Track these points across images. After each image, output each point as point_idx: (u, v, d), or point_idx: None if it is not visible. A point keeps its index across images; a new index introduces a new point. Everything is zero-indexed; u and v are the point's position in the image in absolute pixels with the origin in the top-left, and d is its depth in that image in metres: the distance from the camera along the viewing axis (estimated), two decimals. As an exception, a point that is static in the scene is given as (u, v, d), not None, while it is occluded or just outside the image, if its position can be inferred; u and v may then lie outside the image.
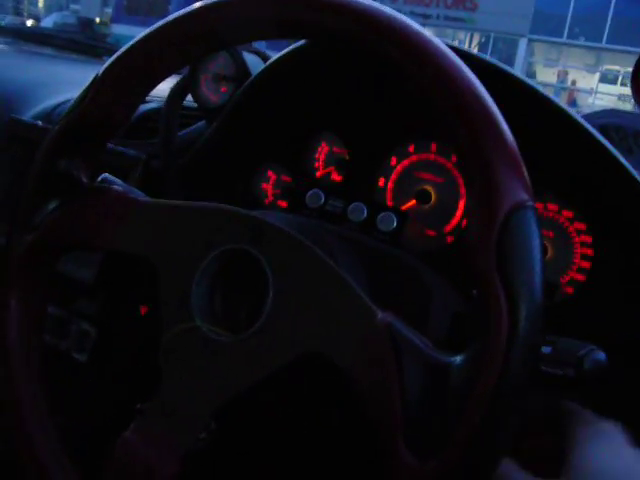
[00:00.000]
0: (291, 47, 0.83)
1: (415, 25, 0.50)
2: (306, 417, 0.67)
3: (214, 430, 0.59)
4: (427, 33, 0.50)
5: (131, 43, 0.62)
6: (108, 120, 0.63)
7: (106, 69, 0.62)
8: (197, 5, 0.58)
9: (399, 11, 0.52)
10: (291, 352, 0.51)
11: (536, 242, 0.44)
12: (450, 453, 0.43)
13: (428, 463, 0.44)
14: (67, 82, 1.23)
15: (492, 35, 17.21)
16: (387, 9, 0.51)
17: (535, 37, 16.73)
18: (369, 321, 0.48)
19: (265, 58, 0.96)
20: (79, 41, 1.69)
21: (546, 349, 0.52)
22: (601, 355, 0.52)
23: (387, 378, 0.46)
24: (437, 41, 0.49)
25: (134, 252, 0.60)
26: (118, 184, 0.65)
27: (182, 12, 0.59)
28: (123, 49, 0.62)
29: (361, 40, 0.51)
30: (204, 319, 0.56)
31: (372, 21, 0.50)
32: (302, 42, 0.83)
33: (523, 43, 16.71)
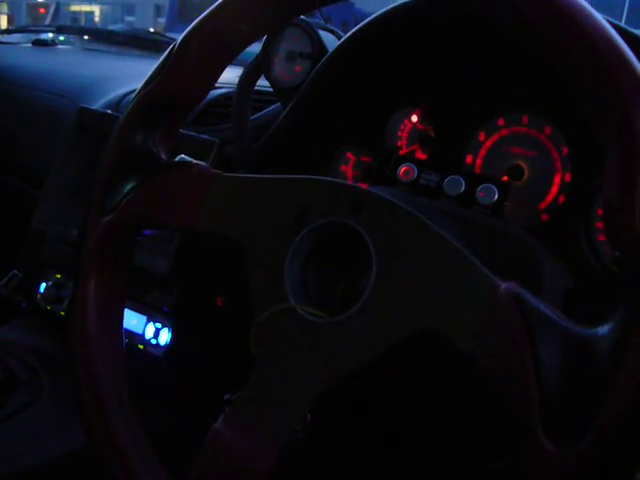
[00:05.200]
0: (367, 20, 0.78)
1: None
2: (415, 406, 0.62)
3: (310, 423, 0.54)
4: None
5: (208, 11, 0.58)
6: (186, 91, 0.59)
7: (183, 38, 0.58)
8: None
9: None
10: (398, 332, 0.46)
11: None
12: (598, 437, 0.37)
13: (570, 451, 0.38)
14: (132, 75, 1.22)
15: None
16: None
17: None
18: (492, 293, 0.43)
19: (339, 37, 0.92)
20: (141, 36, 1.68)
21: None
22: None
23: (519, 357, 0.40)
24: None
25: (219, 231, 0.56)
26: (201, 163, 0.61)
27: None
28: (199, 19, 0.58)
29: None
30: (299, 300, 0.51)
31: None
32: (378, 14, 0.78)
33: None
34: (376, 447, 0.71)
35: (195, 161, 0.59)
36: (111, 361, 0.59)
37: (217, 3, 0.58)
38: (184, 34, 0.58)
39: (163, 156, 0.59)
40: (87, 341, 0.58)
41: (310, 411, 0.50)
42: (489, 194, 0.70)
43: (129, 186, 0.58)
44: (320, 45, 0.86)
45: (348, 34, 0.80)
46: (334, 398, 0.54)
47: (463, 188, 0.72)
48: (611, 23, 0.44)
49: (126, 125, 0.59)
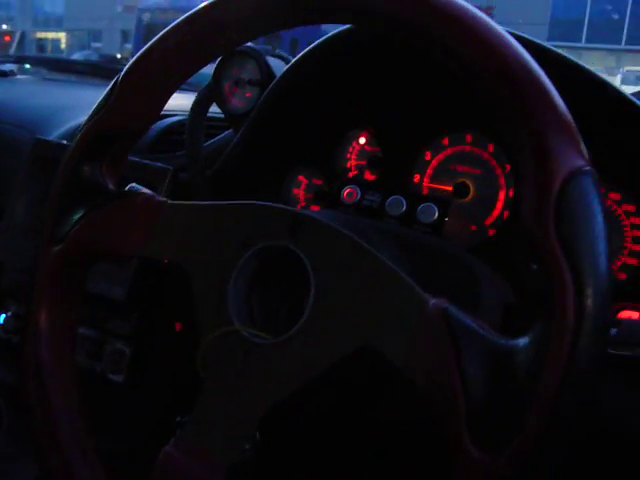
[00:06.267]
0: (312, 46, 0.80)
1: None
2: (357, 419, 0.63)
3: (258, 441, 0.56)
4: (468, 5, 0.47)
5: (149, 44, 0.60)
6: (130, 123, 0.61)
7: (125, 72, 0.60)
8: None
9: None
10: (338, 350, 0.48)
11: (598, 208, 0.41)
12: (520, 444, 0.39)
13: (497, 457, 0.40)
14: (91, 104, 1.22)
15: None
16: None
17: (554, 43, 16.65)
18: (421, 309, 0.45)
19: (288, 62, 0.94)
20: (101, 66, 1.69)
21: (611, 331, 0.48)
22: None
23: (446, 368, 0.42)
24: (479, 12, 0.46)
25: (164, 258, 0.57)
26: (148, 192, 0.62)
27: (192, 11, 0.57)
28: (141, 51, 0.60)
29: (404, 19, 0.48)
30: (243, 322, 0.52)
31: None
32: (324, 39, 0.80)
33: (542, 50, 16.64)
34: (324, 463, 0.73)
35: (142, 190, 0.61)
36: (64, 390, 0.60)
37: (159, 35, 0.59)
38: (127, 66, 0.60)
39: (110, 186, 0.61)
40: (39, 371, 0.59)
41: (258, 430, 0.52)
42: (429, 213, 0.72)
43: (77, 216, 0.60)
44: (268, 72, 0.88)
45: (292, 62, 0.83)
46: (283, 416, 0.55)
47: (404, 208, 0.74)
48: (516, 36, 0.47)
49: (73, 157, 0.60)
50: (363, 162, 0.86)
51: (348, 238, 0.49)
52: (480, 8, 0.46)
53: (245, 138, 0.89)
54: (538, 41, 0.68)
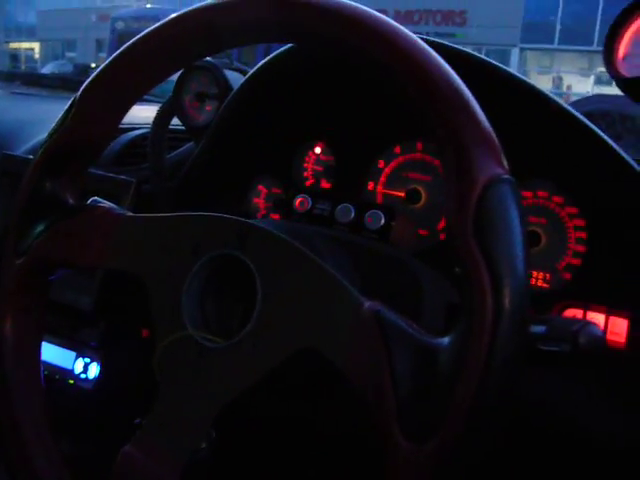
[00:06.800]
0: (265, 60, 0.84)
1: (382, 17, 0.51)
2: (304, 416, 0.66)
3: (214, 439, 0.59)
4: (393, 22, 0.51)
5: (108, 60, 0.63)
6: (89, 138, 0.63)
7: (84, 89, 0.63)
8: (176, 15, 0.59)
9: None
10: (283, 352, 0.51)
11: (515, 214, 0.44)
12: (444, 434, 0.42)
13: (424, 446, 0.43)
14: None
15: (484, 48, 17.31)
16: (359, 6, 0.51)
17: (527, 46, 16.83)
18: (356, 310, 0.48)
19: (246, 74, 0.97)
20: (71, 79, 1.70)
21: (541, 328, 0.51)
22: (594, 328, 0.52)
23: (377, 365, 0.46)
24: (404, 30, 0.49)
25: (121, 268, 0.60)
26: (106, 205, 0.65)
27: (152, 28, 0.59)
28: (100, 68, 0.63)
29: (335, 37, 0.52)
30: (196, 327, 0.55)
31: (343, 16, 0.51)
32: (276, 53, 0.83)
33: (515, 53, 16.81)
34: (275, 460, 0.76)
35: (101, 203, 0.64)
36: (29, 398, 0.62)
37: (115, 54, 0.62)
38: (84, 85, 0.63)
39: (70, 200, 0.63)
40: (4, 381, 0.62)
41: (214, 429, 0.55)
42: (376, 219, 0.76)
43: (38, 230, 0.62)
44: (225, 85, 0.91)
45: (247, 76, 0.86)
46: (235, 416, 0.58)
47: (353, 215, 0.77)
48: (436, 45, 0.50)
49: (34, 172, 0.63)
50: (319, 171, 0.89)
51: (290, 246, 0.53)
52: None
53: (206, 150, 0.93)
54: (457, 47, 0.72)
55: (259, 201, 0.94)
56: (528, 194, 0.75)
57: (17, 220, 0.64)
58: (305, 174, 0.90)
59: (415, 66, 0.48)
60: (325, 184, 0.89)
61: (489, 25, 15.87)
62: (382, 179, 0.85)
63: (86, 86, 0.63)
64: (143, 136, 1.06)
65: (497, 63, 0.72)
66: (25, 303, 0.63)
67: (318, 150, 0.90)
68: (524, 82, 0.71)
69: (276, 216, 0.92)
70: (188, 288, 0.56)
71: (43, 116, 1.31)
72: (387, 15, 0.52)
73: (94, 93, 0.62)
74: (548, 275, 0.73)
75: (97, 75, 0.63)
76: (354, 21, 0.50)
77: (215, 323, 0.57)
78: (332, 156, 0.88)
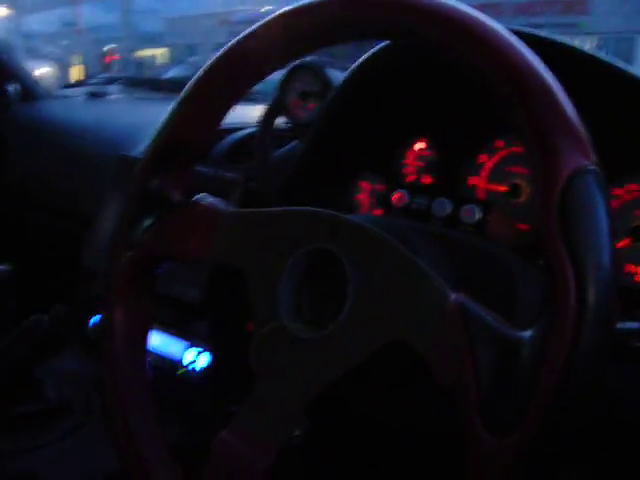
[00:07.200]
0: (365, 57, 0.85)
1: (472, 13, 0.51)
2: (393, 408, 0.67)
3: (308, 428, 0.60)
4: (485, 18, 0.50)
5: (209, 63, 0.66)
6: (194, 137, 0.66)
7: (187, 91, 0.66)
8: (266, 20, 0.61)
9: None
10: (373, 344, 0.52)
11: (600, 206, 0.43)
12: (525, 429, 0.42)
13: (505, 440, 0.43)
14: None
15: (608, 36, 16.57)
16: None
17: (655, 33, 15.97)
18: (442, 302, 0.48)
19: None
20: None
21: (635, 324, 0.50)
22: None
23: (461, 358, 0.46)
24: (486, 18, 0.49)
25: (222, 261, 0.63)
26: (210, 200, 0.68)
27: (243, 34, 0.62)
28: (201, 71, 0.66)
29: (420, 32, 0.52)
30: (291, 318, 0.57)
31: (437, 13, 0.51)
32: (375, 50, 0.84)
33: (641, 40, 16.00)
34: (367, 451, 0.76)
35: (206, 199, 0.67)
36: (137, 384, 0.66)
37: (214, 57, 0.65)
38: (185, 89, 0.66)
39: (176, 196, 0.67)
40: (113, 370, 0.66)
41: (307, 417, 0.57)
42: (472, 214, 0.75)
43: (146, 225, 0.66)
44: (327, 83, 0.93)
45: (345, 75, 0.87)
46: (329, 405, 0.59)
47: (449, 210, 0.77)
48: (522, 34, 0.49)
49: (143, 170, 0.67)
50: (421, 166, 0.90)
51: (381, 238, 0.53)
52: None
53: (310, 148, 0.95)
54: (543, 34, 0.70)
55: (362, 197, 0.95)
56: (634, 187, 0.72)
57: (127, 215, 0.68)
58: (406, 170, 0.91)
59: (504, 65, 0.48)
60: (426, 179, 0.89)
61: (613, 12, 15.18)
62: (483, 174, 0.85)
63: (190, 87, 0.66)
64: (250, 135, 1.10)
65: (597, 52, 0.70)
66: (134, 295, 0.67)
67: (420, 146, 0.90)
68: (625, 72, 0.69)
69: (379, 212, 0.93)
70: (284, 281, 0.58)
71: (159, 118, 1.37)
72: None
73: (198, 94, 0.66)
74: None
75: (200, 76, 0.66)
76: (447, 19, 0.50)
77: (309, 315, 0.59)
78: (434, 151, 0.88)
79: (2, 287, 0.86)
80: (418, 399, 0.65)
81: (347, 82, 0.87)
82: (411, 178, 0.90)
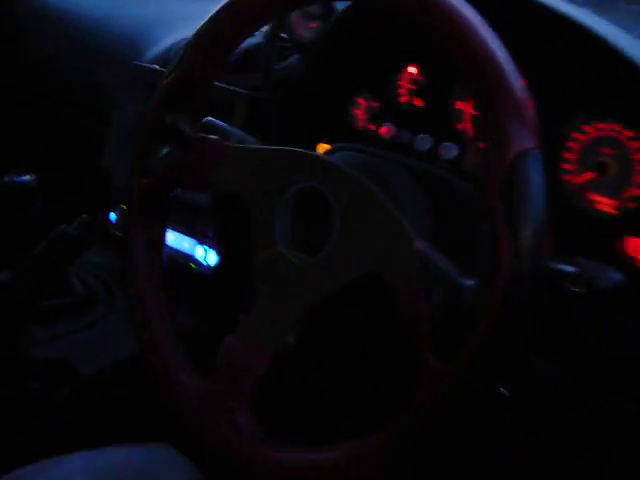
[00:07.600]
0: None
1: None
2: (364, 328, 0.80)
3: (300, 336, 0.72)
4: None
5: (218, 8, 0.72)
6: (204, 77, 0.74)
7: (197, 33, 0.73)
8: None
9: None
10: (351, 272, 0.63)
11: (538, 180, 0.52)
12: (466, 357, 0.53)
13: (450, 364, 0.54)
14: (181, 19, 1.35)
15: None
16: None
17: None
18: (409, 246, 0.59)
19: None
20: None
21: (569, 267, 0.59)
22: (612, 273, 0.59)
23: (418, 294, 0.56)
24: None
25: (228, 190, 0.72)
26: (219, 126, 0.77)
27: None
28: (212, 14, 0.73)
29: None
30: (286, 245, 0.68)
31: None
32: None
33: None
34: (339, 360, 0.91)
35: (211, 124, 0.76)
36: (155, 283, 0.77)
37: (221, 4, 0.72)
38: (196, 30, 0.73)
39: (189, 130, 0.75)
40: (136, 271, 0.77)
41: (300, 329, 0.68)
42: (450, 151, 0.83)
43: (161, 154, 0.75)
44: (329, 7, 0.98)
45: (343, 8, 0.93)
46: (318, 321, 0.71)
47: (429, 145, 0.85)
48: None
49: (155, 108, 0.75)
50: (413, 89, 0.96)
51: (362, 182, 0.63)
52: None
53: (310, 63, 1.01)
54: None
55: (358, 112, 1.02)
56: (601, 125, 0.79)
57: (143, 146, 0.76)
58: (399, 91, 0.97)
59: (455, 32, 0.55)
60: (417, 102, 0.96)
61: None
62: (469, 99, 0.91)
63: (198, 30, 0.73)
64: (256, 45, 1.15)
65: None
66: (152, 213, 0.77)
67: (412, 70, 0.96)
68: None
69: (373, 127, 1.00)
70: (280, 212, 0.68)
71: (166, 17, 1.41)
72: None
73: (207, 34, 0.73)
74: (612, 202, 0.79)
75: (209, 19, 0.73)
76: None
77: (301, 243, 0.69)
78: (424, 76, 0.95)
79: (28, 196, 0.95)
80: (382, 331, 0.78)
81: (347, 11, 0.92)
82: (403, 99, 0.97)
